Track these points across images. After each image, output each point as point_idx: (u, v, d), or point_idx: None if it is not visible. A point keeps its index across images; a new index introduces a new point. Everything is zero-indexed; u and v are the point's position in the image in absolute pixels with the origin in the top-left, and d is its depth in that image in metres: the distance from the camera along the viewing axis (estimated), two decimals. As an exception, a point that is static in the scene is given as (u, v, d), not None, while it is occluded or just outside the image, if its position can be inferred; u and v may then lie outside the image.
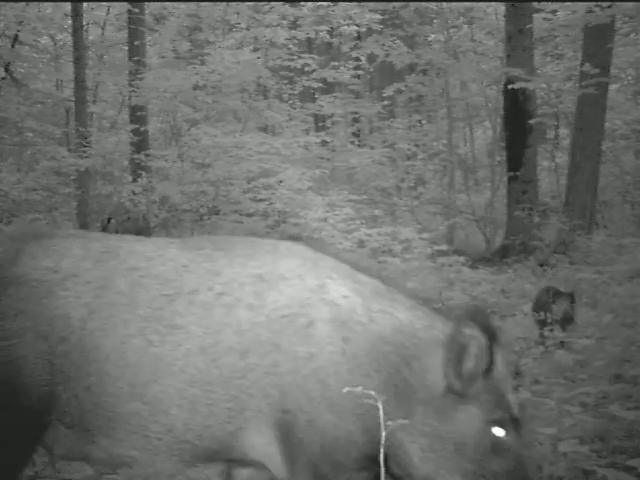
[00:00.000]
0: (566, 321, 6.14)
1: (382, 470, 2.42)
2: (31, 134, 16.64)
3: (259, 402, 2.56)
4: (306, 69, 14.92)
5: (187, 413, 2.57)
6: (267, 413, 2.56)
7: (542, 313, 6.32)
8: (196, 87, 13.33)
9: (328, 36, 18.07)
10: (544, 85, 14.69)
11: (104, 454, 2.67)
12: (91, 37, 18.49)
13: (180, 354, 2.57)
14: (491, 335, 2.40)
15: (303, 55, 14.77)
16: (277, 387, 2.55)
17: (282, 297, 2.61)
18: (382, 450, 2.38)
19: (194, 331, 2.58)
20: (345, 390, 2.38)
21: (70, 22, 14.90)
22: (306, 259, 2.75)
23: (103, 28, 18.58)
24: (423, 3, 17.67)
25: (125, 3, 15.52)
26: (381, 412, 2.36)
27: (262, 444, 2.60)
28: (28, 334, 2.60)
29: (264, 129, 16.35)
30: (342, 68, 16.35)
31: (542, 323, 6.25)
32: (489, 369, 2.42)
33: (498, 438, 2.43)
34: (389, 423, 2.39)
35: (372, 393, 2.36)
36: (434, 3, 17.26)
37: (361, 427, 2.52)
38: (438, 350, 2.47)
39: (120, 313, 2.61)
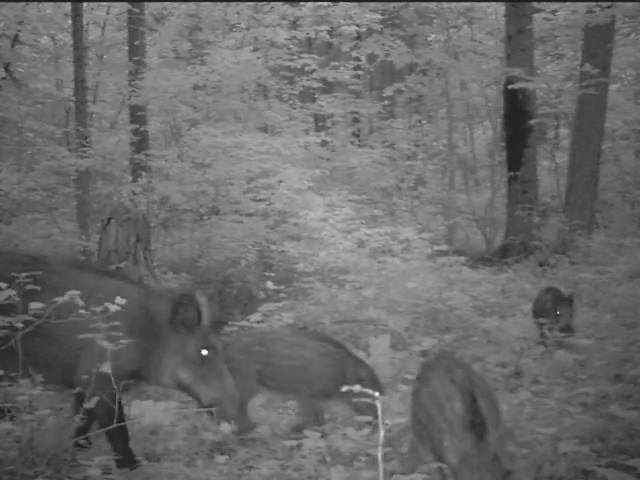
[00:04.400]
0: (566, 329, 6.12)
1: (380, 468, 2.42)
2: (31, 134, 16.60)
3: None
4: (306, 69, 14.88)
5: None
6: None
7: (541, 316, 6.32)
8: (196, 87, 13.32)
9: (328, 36, 18.02)
10: (544, 85, 14.70)
11: None
12: (91, 37, 18.47)
13: None
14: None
15: (303, 55, 14.73)
16: None
17: None
18: (380, 448, 2.39)
19: None
20: (344, 389, 2.40)
21: (70, 22, 14.87)
22: None
23: (103, 28, 18.56)
24: (423, 3, 17.67)
25: (125, 3, 15.52)
26: (380, 411, 2.36)
27: None
28: None
29: (264, 129, 16.34)
30: (342, 68, 16.31)
31: (542, 323, 6.24)
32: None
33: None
34: (387, 422, 2.40)
35: (371, 392, 2.36)
36: (434, 3, 17.26)
37: None
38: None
39: None
